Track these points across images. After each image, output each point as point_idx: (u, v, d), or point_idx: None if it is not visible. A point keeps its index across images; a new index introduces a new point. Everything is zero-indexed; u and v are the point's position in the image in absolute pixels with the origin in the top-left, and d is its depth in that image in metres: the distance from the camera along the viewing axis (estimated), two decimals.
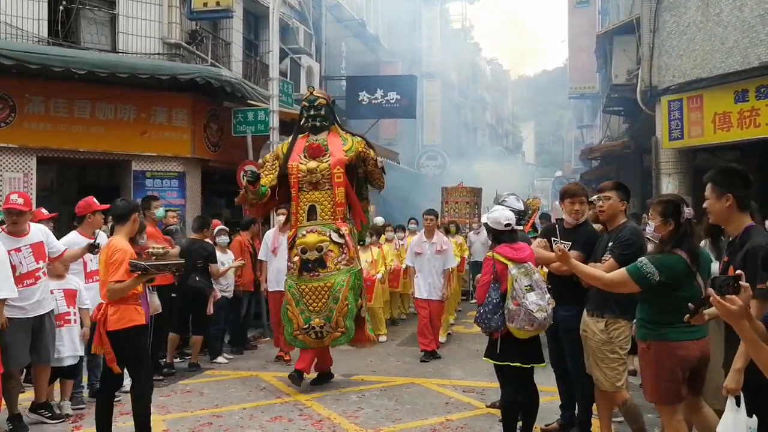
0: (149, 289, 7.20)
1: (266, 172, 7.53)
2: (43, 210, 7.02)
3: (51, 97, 10.89)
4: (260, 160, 7.62)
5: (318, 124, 7.56)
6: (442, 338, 10.30)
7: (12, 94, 10.57)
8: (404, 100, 19.23)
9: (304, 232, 7.26)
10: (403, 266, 11.00)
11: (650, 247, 5.00)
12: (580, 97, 31.33)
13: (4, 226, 5.77)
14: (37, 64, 9.89)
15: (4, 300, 5.02)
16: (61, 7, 11.29)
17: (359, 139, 7.75)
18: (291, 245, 7.36)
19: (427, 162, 29.30)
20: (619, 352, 4.78)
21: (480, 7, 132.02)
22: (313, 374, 7.71)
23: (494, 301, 5.14)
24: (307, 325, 7.18)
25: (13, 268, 5.46)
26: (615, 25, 17.61)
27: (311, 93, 7.63)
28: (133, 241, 7.07)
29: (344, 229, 7.35)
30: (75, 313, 6.27)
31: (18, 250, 5.62)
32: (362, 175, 7.88)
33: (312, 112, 7.57)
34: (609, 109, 18.57)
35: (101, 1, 12.09)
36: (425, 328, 9.08)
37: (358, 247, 7.97)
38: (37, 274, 5.66)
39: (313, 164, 7.32)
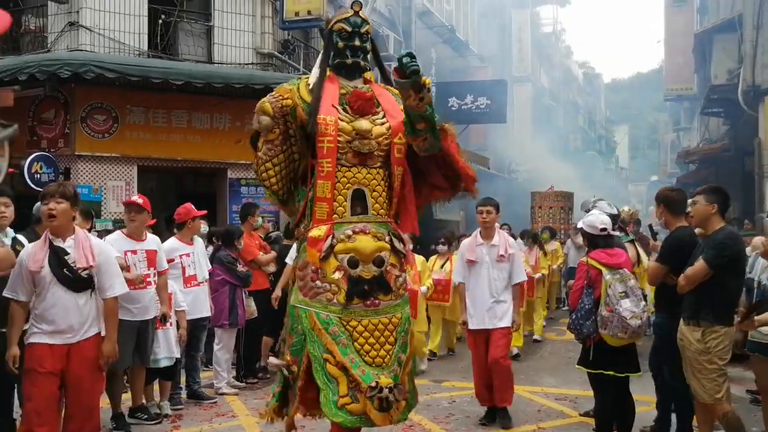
0: (245, 293, 7.36)
1: (270, 146, 3.98)
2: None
3: (151, 108, 11.38)
4: (256, 122, 4.01)
5: (361, 63, 4.17)
6: (537, 336, 10.36)
7: (115, 105, 11.10)
8: (494, 105, 19.10)
9: (350, 233, 3.90)
10: (453, 282, 7.82)
11: None
12: (677, 99, 30.29)
13: (123, 230, 6.05)
14: (138, 76, 10.37)
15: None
16: (160, 21, 11.77)
17: None
18: (326, 253, 3.87)
19: (518, 167, 28.94)
20: (717, 363, 4.54)
21: (572, 9, 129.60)
22: None
23: (587, 306, 5.03)
24: (370, 386, 3.75)
25: (127, 269, 5.67)
26: (715, 23, 16.94)
27: (356, 12, 4.17)
28: (231, 247, 7.31)
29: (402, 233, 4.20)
30: (171, 316, 6.45)
31: (134, 252, 5.86)
32: None
33: (356, 42, 4.10)
34: (708, 111, 17.90)
35: (198, 14, 12.54)
36: (482, 373, 6.20)
37: None
38: (148, 279, 5.90)
39: (365, 124, 3.98)
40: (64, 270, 4.20)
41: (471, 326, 6.18)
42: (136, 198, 6.07)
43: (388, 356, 3.89)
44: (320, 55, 4.24)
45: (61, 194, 4.24)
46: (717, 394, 4.55)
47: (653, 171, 57.18)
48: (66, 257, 4.23)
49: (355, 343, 3.84)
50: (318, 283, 3.85)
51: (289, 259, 6.88)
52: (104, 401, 6.08)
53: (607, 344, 4.95)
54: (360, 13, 4.19)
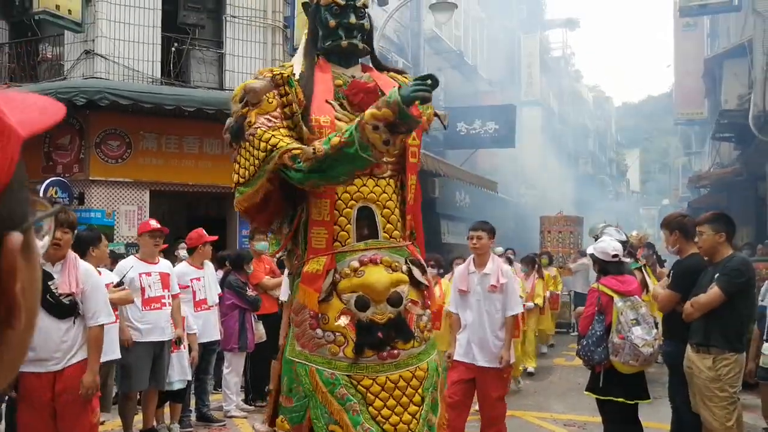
0: (254, 317, 7.42)
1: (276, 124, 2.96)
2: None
3: (163, 134, 11.51)
4: (239, 100, 2.97)
5: (359, 45, 3.19)
6: (530, 368, 9.97)
7: (128, 131, 11.24)
8: (503, 129, 19.15)
9: (356, 264, 2.94)
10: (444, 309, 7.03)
11: None
12: (688, 124, 30.25)
13: (137, 254, 6.23)
14: (151, 103, 10.53)
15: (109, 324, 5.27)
16: (173, 49, 11.93)
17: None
18: (326, 293, 2.93)
19: (527, 191, 28.93)
20: (728, 390, 4.53)
21: (581, 33, 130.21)
22: None
23: (598, 333, 5.03)
24: None
25: (142, 290, 5.85)
26: (725, 49, 16.99)
27: None
28: (241, 271, 7.38)
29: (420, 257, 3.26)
30: (185, 339, 6.52)
31: (148, 274, 5.98)
32: None
33: (351, 19, 3.13)
34: (719, 136, 17.87)
35: (209, 41, 12.71)
36: (457, 414, 5.15)
37: None
38: (162, 300, 6.01)
39: None
40: (47, 295, 4.06)
41: (456, 357, 5.41)
42: (156, 224, 6.19)
43: (414, 420, 2.91)
44: (304, 38, 3.22)
45: (68, 224, 4.24)
46: (728, 422, 4.53)
47: (664, 195, 57.02)
48: (50, 282, 4.10)
49: (371, 408, 2.86)
50: (318, 332, 2.88)
51: (283, 295, 5.90)
52: (116, 423, 6.15)
53: (617, 371, 4.95)
54: None
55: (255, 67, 12.66)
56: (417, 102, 2.55)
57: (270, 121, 2.88)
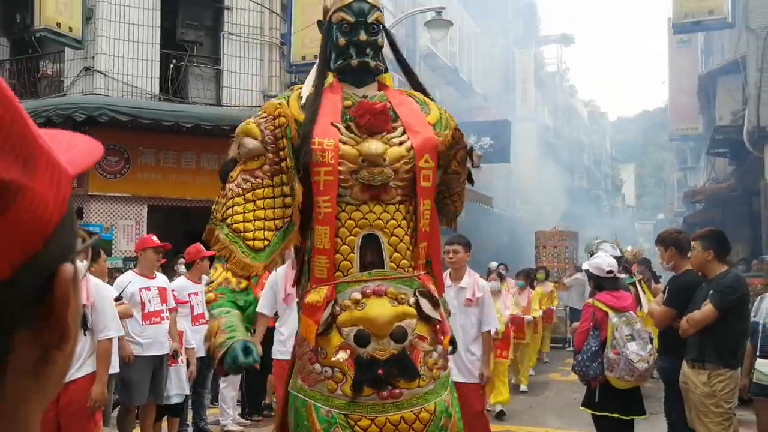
0: (251, 332, 7.44)
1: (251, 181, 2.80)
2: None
3: (162, 149, 11.59)
4: (234, 148, 2.87)
5: (371, 63, 2.96)
6: (523, 386, 9.91)
7: (127, 147, 11.31)
8: (498, 144, 19.27)
9: (358, 296, 2.72)
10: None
11: None
12: (682, 139, 30.41)
13: (135, 269, 6.29)
14: (150, 119, 10.62)
15: (121, 336, 5.32)
16: (172, 66, 12.03)
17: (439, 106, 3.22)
18: (325, 326, 2.71)
19: (522, 206, 29.04)
20: (723, 406, 4.58)
21: (576, 49, 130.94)
22: None
23: (593, 349, 5.07)
24: None
25: (142, 305, 5.92)
26: (719, 65, 17.15)
27: None
28: None
29: (433, 289, 2.95)
30: (182, 353, 6.57)
31: (148, 289, 6.04)
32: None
33: (361, 36, 2.93)
34: (713, 151, 17.99)
35: (207, 58, 12.81)
36: None
37: None
38: (162, 315, 6.07)
39: (375, 146, 2.79)
40: None
41: None
42: (158, 240, 6.27)
43: None
44: (318, 57, 3.11)
45: None
46: None
47: (660, 209, 57.16)
48: None
49: None
50: (317, 366, 2.70)
51: (263, 308, 5.69)
52: None
53: (613, 386, 4.99)
54: None
55: (252, 83, 12.77)
56: None
57: (247, 182, 2.74)
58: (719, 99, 16.14)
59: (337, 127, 2.81)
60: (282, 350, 5.61)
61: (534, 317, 10.45)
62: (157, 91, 11.87)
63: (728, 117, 15.33)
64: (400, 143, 2.82)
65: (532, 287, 11.03)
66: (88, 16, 11.29)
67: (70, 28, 10.83)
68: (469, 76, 24.96)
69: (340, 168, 2.72)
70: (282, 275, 5.72)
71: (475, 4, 26.04)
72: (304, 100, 2.87)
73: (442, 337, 2.86)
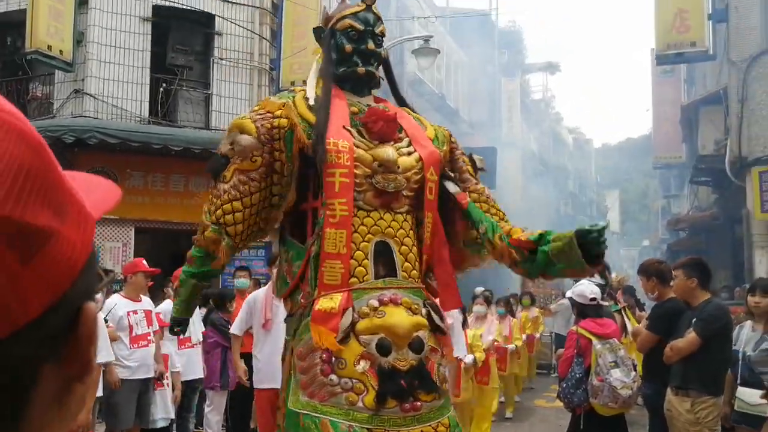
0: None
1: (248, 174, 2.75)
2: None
3: (150, 172, 11.60)
4: (227, 143, 2.77)
5: (375, 72, 3.02)
6: (508, 413, 9.90)
7: (115, 169, 11.29)
8: (484, 171, 19.37)
9: (375, 304, 2.62)
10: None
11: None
12: (666, 167, 30.70)
13: (121, 292, 6.27)
14: (138, 141, 10.64)
15: (108, 362, 5.31)
16: (161, 89, 12.08)
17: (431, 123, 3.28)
18: (344, 334, 2.57)
19: None
20: None
21: (561, 77, 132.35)
22: None
23: (577, 375, 5.12)
24: None
25: (130, 328, 5.92)
26: (701, 96, 17.42)
27: (368, 5, 3.00)
28: (224, 309, 7.43)
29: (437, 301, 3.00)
30: (167, 377, 6.55)
31: (135, 312, 6.04)
32: None
33: (369, 45, 2.94)
34: (696, 180, 18.22)
35: (197, 82, 12.88)
36: None
37: None
38: (148, 338, 6.07)
39: (390, 152, 2.78)
40: None
41: None
42: (146, 264, 6.29)
43: None
44: (316, 63, 3.04)
45: None
46: None
47: (644, 235, 57.49)
48: None
49: None
50: (333, 378, 2.51)
51: (235, 329, 6.05)
52: None
53: (597, 413, 5.04)
54: (373, 7, 2.98)
55: (241, 108, 12.83)
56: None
57: (244, 184, 2.68)
58: (702, 128, 16.38)
59: (349, 131, 2.76)
60: (259, 378, 5.52)
61: (516, 346, 10.29)
62: (146, 114, 11.90)
63: (711, 146, 15.55)
64: (409, 154, 2.82)
65: (512, 315, 10.92)
66: (79, 40, 11.35)
67: (61, 51, 10.88)
68: (455, 103, 25.18)
69: (356, 171, 2.68)
70: (261, 299, 5.64)
71: (461, 32, 26.35)
72: (312, 102, 2.81)
73: (446, 351, 2.88)
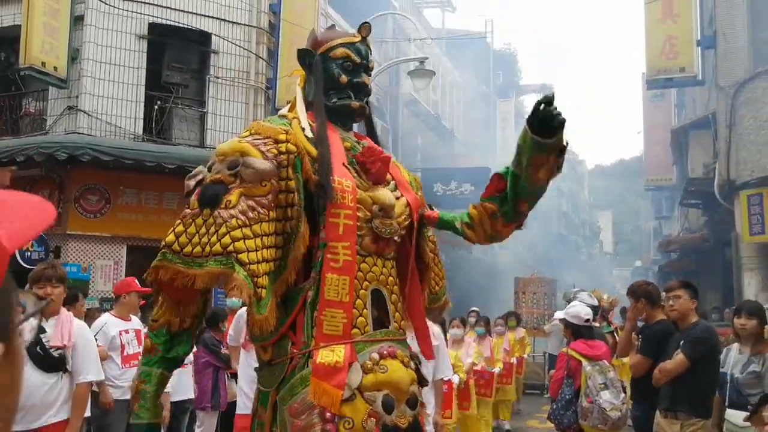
0: (227, 375, 7.42)
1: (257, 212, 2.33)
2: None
3: (143, 190, 11.60)
4: (224, 167, 2.38)
5: (366, 107, 2.78)
6: None
7: (108, 186, 11.31)
8: (478, 191, 19.24)
9: (376, 357, 2.42)
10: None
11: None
12: (657, 189, 30.92)
13: (112, 311, 6.28)
14: (132, 159, 10.64)
15: (100, 381, 5.26)
16: (156, 107, 12.12)
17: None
18: (351, 392, 2.35)
19: (501, 251, 29.20)
20: None
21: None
22: None
23: (567, 397, 5.14)
24: None
25: (122, 348, 5.92)
26: (691, 120, 17.61)
27: (363, 37, 2.77)
28: (216, 329, 7.42)
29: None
30: None
31: (126, 331, 6.04)
32: None
33: (363, 78, 2.71)
34: (686, 202, 18.36)
35: (192, 100, 12.92)
36: None
37: None
38: (139, 357, 6.02)
39: (388, 195, 2.58)
40: (37, 348, 4.05)
41: None
42: (140, 284, 6.25)
43: None
44: (299, 88, 2.79)
45: (57, 278, 4.25)
46: None
47: (637, 256, 57.62)
48: (42, 335, 4.11)
49: None
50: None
51: (231, 340, 5.96)
52: None
53: None
54: (368, 39, 2.78)
55: (236, 126, 12.89)
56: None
57: (253, 210, 2.30)
58: (691, 152, 16.53)
59: (348, 169, 2.55)
60: (247, 404, 4.89)
61: (500, 369, 9.92)
62: (140, 131, 11.93)
63: (700, 169, 15.69)
64: (397, 198, 2.61)
65: (489, 334, 10.47)
66: (74, 56, 11.39)
67: (55, 68, 10.92)
68: (451, 123, 25.34)
69: (358, 214, 2.47)
70: (245, 316, 5.28)
71: (457, 54, 26.56)
72: (308, 133, 2.55)
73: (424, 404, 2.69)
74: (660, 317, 5.20)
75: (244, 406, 5.13)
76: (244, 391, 5.23)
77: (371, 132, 2.94)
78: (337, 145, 2.56)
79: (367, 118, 2.89)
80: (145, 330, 6.23)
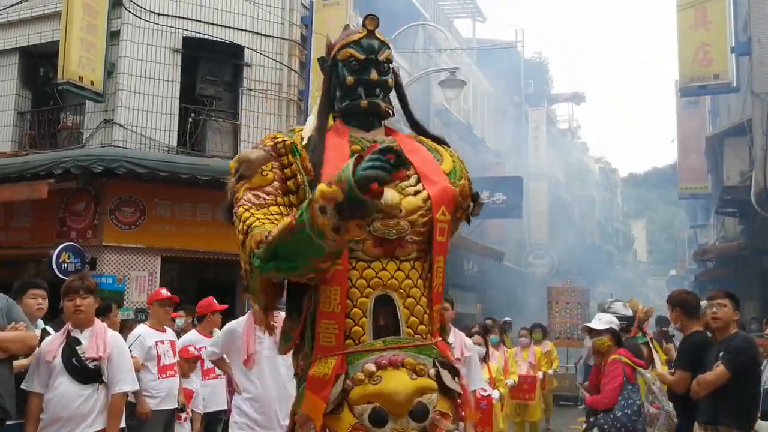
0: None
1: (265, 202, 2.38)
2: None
3: (177, 201, 11.75)
4: (253, 152, 2.44)
5: (382, 105, 2.64)
6: None
7: (143, 198, 11.48)
8: (510, 200, 19.43)
9: (372, 368, 2.30)
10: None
11: None
12: (692, 198, 30.48)
13: (147, 322, 6.36)
14: (166, 171, 10.79)
15: (136, 391, 5.30)
16: (190, 119, 12.28)
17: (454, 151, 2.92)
18: (334, 404, 2.28)
19: (535, 261, 29.00)
20: None
21: (587, 107, 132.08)
22: None
23: (637, 402, 5.07)
24: None
25: (158, 358, 5.97)
26: (726, 127, 17.35)
27: (370, 31, 2.65)
28: None
29: (453, 358, 2.75)
30: (188, 412, 6.54)
31: (162, 342, 6.11)
32: None
33: (372, 75, 2.61)
34: (722, 210, 18.07)
35: (225, 113, 13.07)
36: None
37: None
38: (174, 368, 6.11)
39: (390, 194, 2.05)
40: (73, 360, 4.14)
41: None
42: (167, 293, 6.37)
43: None
44: (319, 97, 2.74)
45: (86, 289, 4.31)
46: None
47: (671, 265, 56.85)
48: (78, 347, 4.19)
49: None
50: None
51: (213, 345, 5.52)
52: None
53: None
54: (376, 32, 2.67)
55: None
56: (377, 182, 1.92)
57: (258, 197, 2.35)
58: (727, 160, 16.30)
59: None
60: (241, 421, 4.82)
61: (514, 381, 9.09)
62: (175, 144, 12.09)
63: (736, 177, 15.45)
64: (416, 193, 2.48)
65: (503, 343, 9.97)
66: (110, 71, 11.60)
67: (92, 82, 11.14)
68: (482, 133, 25.25)
69: None
70: (242, 329, 4.94)
71: (488, 63, 26.51)
72: (306, 141, 2.51)
73: (463, 413, 2.50)
74: (695, 328, 5.10)
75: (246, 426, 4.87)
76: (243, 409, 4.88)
77: (408, 116, 2.89)
78: (336, 150, 2.47)
79: (401, 102, 2.83)
80: (176, 340, 6.32)
